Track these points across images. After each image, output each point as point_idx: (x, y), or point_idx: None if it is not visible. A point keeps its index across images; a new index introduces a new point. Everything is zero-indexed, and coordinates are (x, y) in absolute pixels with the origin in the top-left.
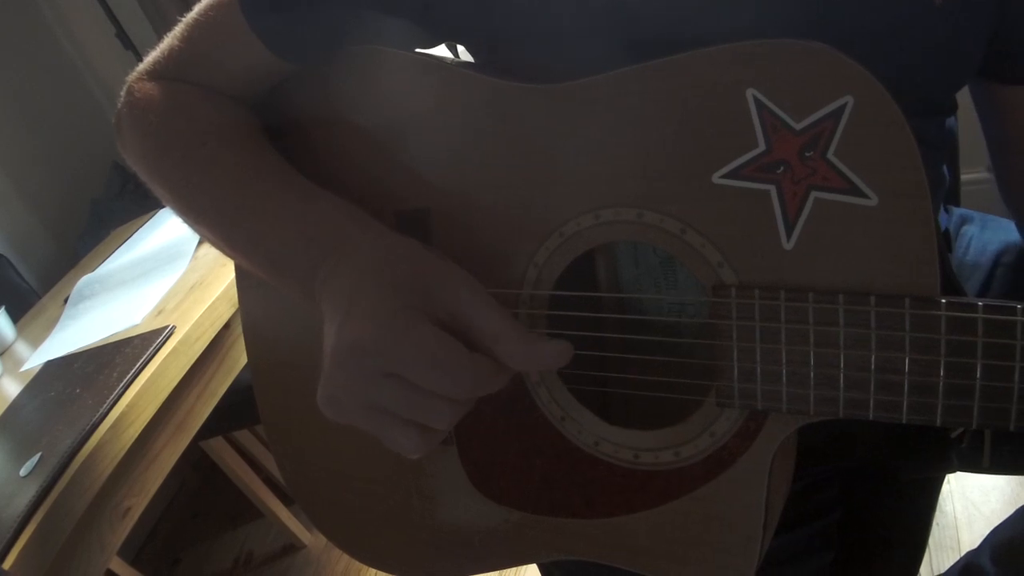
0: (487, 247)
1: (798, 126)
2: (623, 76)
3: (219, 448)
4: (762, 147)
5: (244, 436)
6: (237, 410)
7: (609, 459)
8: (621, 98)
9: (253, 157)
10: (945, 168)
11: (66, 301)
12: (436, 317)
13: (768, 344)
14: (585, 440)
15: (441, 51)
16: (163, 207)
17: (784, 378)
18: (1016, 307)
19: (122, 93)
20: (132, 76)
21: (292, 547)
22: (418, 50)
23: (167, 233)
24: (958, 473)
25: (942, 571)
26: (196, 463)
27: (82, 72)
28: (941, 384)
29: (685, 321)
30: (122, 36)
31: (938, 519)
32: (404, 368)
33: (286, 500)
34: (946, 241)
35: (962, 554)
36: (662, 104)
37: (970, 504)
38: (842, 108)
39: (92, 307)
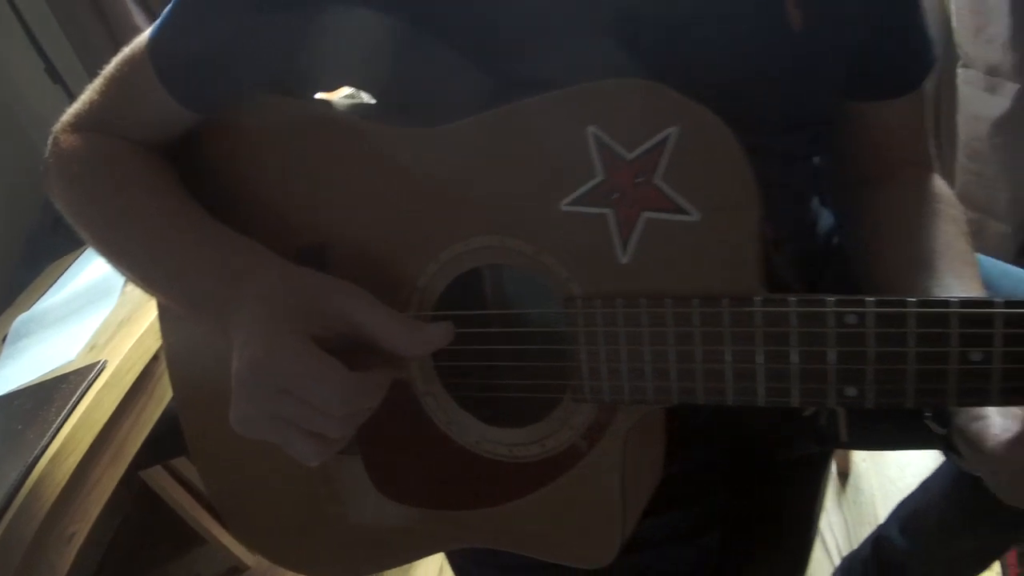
0: (376, 276)
1: (630, 156)
2: (485, 119)
3: (159, 477)
4: (600, 177)
5: (184, 465)
6: (171, 439)
7: (489, 455)
8: (484, 138)
9: (167, 203)
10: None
11: (3, 340)
12: (330, 332)
13: (610, 345)
14: (468, 440)
15: None
16: None
17: (625, 374)
18: (826, 299)
19: (48, 143)
20: (57, 127)
21: (236, 569)
22: (319, 95)
23: (96, 270)
24: (875, 452)
25: None
26: (138, 494)
27: (12, 108)
28: (760, 370)
29: (549, 330)
30: (51, 71)
31: (855, 496)
32: (292, 385)
33: (228, 525)
34: (811, 237)
35: None
36: (518, 142)
37: (887, 480)
38: (667, 138)
39: (29, 345)
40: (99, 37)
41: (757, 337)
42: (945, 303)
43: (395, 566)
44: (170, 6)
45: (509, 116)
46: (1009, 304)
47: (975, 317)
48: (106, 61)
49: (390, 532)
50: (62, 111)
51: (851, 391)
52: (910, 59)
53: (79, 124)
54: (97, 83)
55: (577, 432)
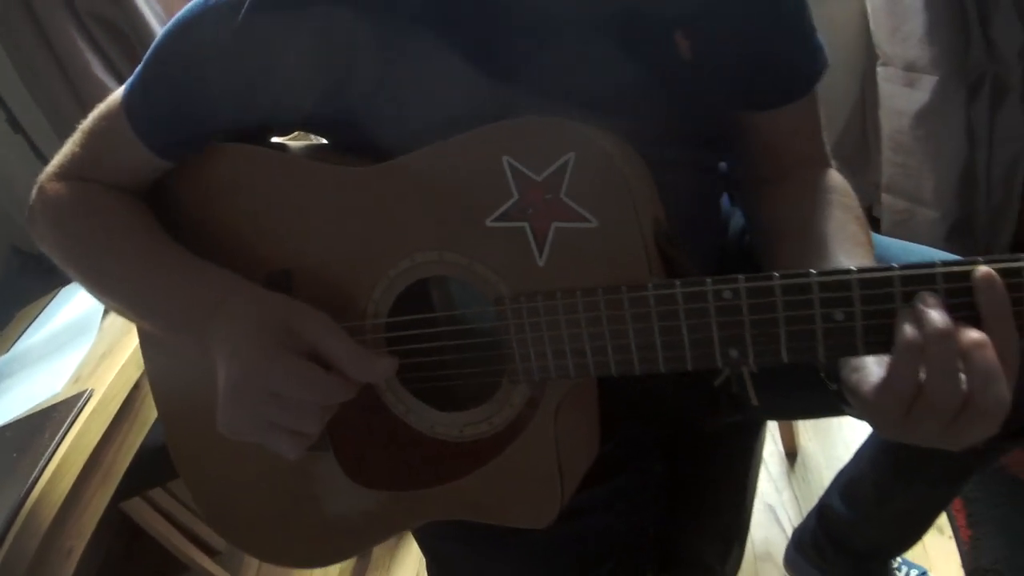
0: (336, 293)
1: (539, 178)
2: (421, 155)
3: (141, 509)
4: (516, 196)
5: (164, 499)
6: (150, 469)
7: (444, 437)
8: (420, 171)
9: (146, 242)
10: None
11: None
12: (299, 350)
13: (535, 333)
14: (424, 426)
15: None
16: (64, 285)
17: (549, 355)
18: (705, 280)
19: (34, 192)
20: (42, 177)
21: None
22: (275, 138)
23: (73, 310)
24: (825, 436)
25: None
26: (118, 530)
27: None
28: (658, 343)
29: (488, 325)
30: (12, 121)
31: (804, 475)
32: (277, 386)
33: (209, 552)
34: (722, 235)
35: None
36: (448, 173)
37: (834, 458)
38: (567, 162)
39: (14, 384)
40: (60, 87)
41: (652, 316)
42: (806, 274)
43: (370, 547)
44: (142, 64)
45: (439, 152)
46: (862, 271)
47: (833, 284)
48: (66, 111)
49: (363, 516)
50: (24, 160)
51: (734, 353)
52: (796, 70)
53: (63, 173)
54: (77, 136)
55: (516, 409)
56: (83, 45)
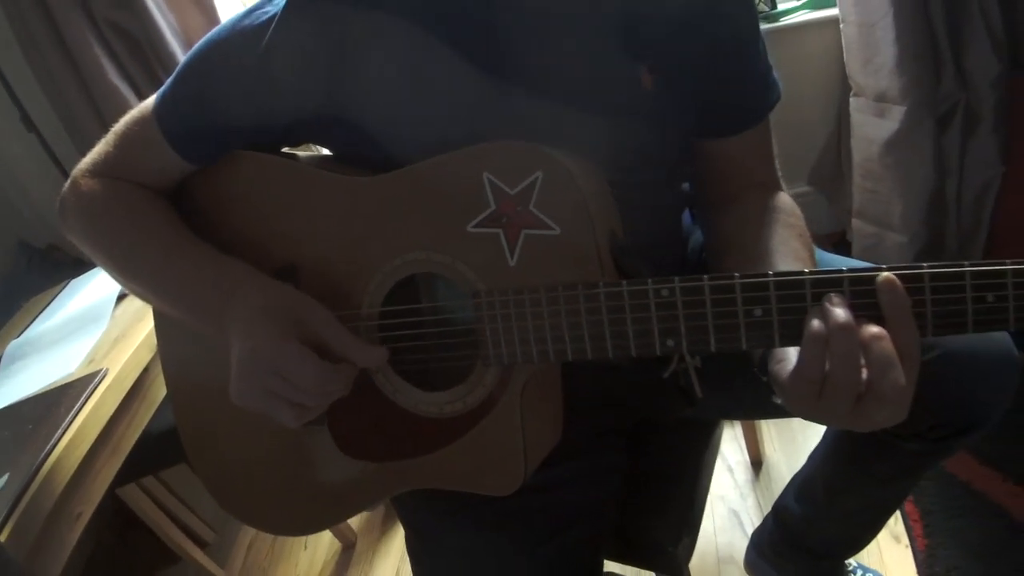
0: (335, 286)
1: (512, 192)
2: (413, 169)
3: (136, 497)
4: (492, 207)
5: (158, 489)
6: (149, 455)
7: (426, 414)
8: (413, 182)
9: (172, 234)
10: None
11: None
12: (303, 337)
13: (505, 323)
14: (409, 404)
15: None
16: (73, 278)
17: (517, 342)
18: (648, 280)
19: (66, 185)
20: (76, 172)
21: None
22: (285, 149)
23: (84, 299)
24: (790, 446)
25: None
26: (109, 521)
27: None
28: (607, 332)
29: (466, 316)
30: (26, 120)
31: (767, 483)
32: (280, 366)
33: (200, 543)
34: (683, 249)
35: None
36: (437, 184)
37: (796, 467)
38: (536, 179)
39: (26, 365)
40: (74, 90)
41: (603, 310)
42: (731, 277)
43: (358, 513)
44: (173, 76)
45: (429, 166)
46: (778, 275)
47: (753, 285)
48: (79, 112)
49: (352, 484)
50: (35, 158)
51: (671, 342)
52: (748, 103)
53: (96, 171)
54: (110, 137)
55: (488, 388)
56: (99, 51)
